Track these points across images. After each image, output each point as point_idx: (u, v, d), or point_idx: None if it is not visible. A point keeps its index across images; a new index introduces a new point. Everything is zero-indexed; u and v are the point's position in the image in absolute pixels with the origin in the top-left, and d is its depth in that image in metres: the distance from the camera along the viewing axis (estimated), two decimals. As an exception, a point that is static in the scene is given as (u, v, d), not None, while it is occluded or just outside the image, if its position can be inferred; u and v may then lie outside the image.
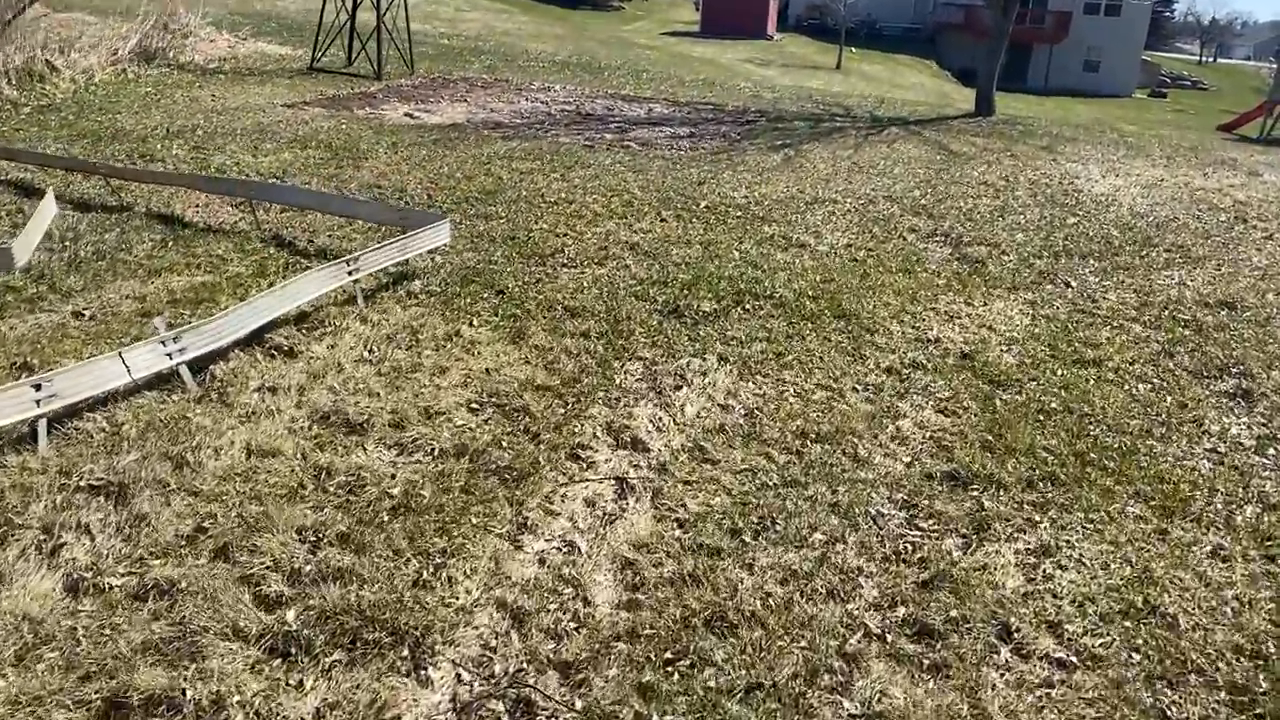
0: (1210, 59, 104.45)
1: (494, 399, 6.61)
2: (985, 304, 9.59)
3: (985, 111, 23.14)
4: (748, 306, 8.97)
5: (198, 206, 10.88)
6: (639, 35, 61.60)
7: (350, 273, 7.84)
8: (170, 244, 9.52)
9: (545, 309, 8.50)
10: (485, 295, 8.72)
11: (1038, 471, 6.26)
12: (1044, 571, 5.23)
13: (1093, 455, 6.54)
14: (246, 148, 13.75)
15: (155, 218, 10.43)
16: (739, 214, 12.26)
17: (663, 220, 11.79)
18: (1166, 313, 9.66)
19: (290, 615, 4.32)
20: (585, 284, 9.26)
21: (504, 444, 6.03)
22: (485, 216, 11.32)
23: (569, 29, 50.05)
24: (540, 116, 18.75)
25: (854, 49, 65.74)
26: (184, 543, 4.88)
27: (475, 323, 8.06)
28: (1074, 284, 10.43)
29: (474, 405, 6.53)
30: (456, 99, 19.88)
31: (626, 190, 13.02)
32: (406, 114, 17.68)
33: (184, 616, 4.28)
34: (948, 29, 68.57)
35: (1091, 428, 6.99)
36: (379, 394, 6.53)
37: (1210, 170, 17.92)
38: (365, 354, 7.11)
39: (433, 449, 5.88)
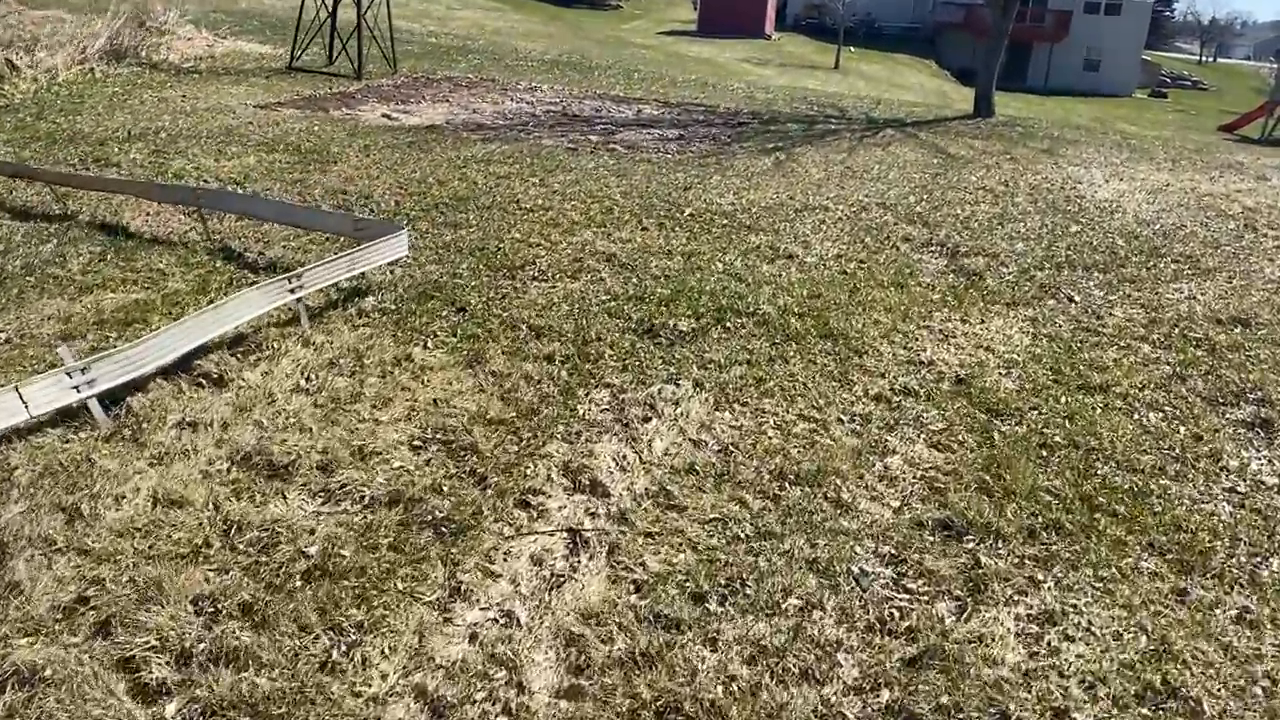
0: (1210, 59, 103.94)
1: (440, 435, 5.97)
2: (983, 321, 8.95)
3: (984, 113, 22.50)
4: (729, 325, 8.33)
5: (147, 215, 10.23)
6: (635, 34, 61.00)
7: (293, 290, 7.19)
8: (109, 257, 8.87)
9: (508, 329, 7.85)
10: (444, 313, 8.08)
11: (1040, 519, 5.62)
12: (1048, 644, 4.59)
13: (1101, 498, 5.90)
14: (210, 151, 13.10)
15: (99, 228, 9.79)
16: (725, 222, 11.62)
17: (644, 229, 11.15)
18: (1177, 331, 9.02)
19: (170, 710, 3.68)
20: (555, 300, 8.62)
21: (445, 489, 5.39)
22: (455, 225, 10.67)
23: (563, 28, 49.41)
24: (524, 118, 18.11)
25: (853, 48, 65.19)
26: (60, 616, 4.24)
27: (430, 344, 7.41)
28: (1078, 299, 9.79)
29: (416, 442, 5.89)
30: (438, 99, 19.24)
31: (607, 196, 12.37)
32: (384, 115, 17.03)
33: (42, 714, 3.63)
34: (947, 28, 67.98)
35: (1099, 465, 6.36)
36: (311, 430, 5.89)
37: (1217, 174, 17.28)
38: (302, 382, 6.47)
39: (363, 496, 5.24)
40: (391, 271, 8.92)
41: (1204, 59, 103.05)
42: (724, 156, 15.73)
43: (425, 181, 12.41)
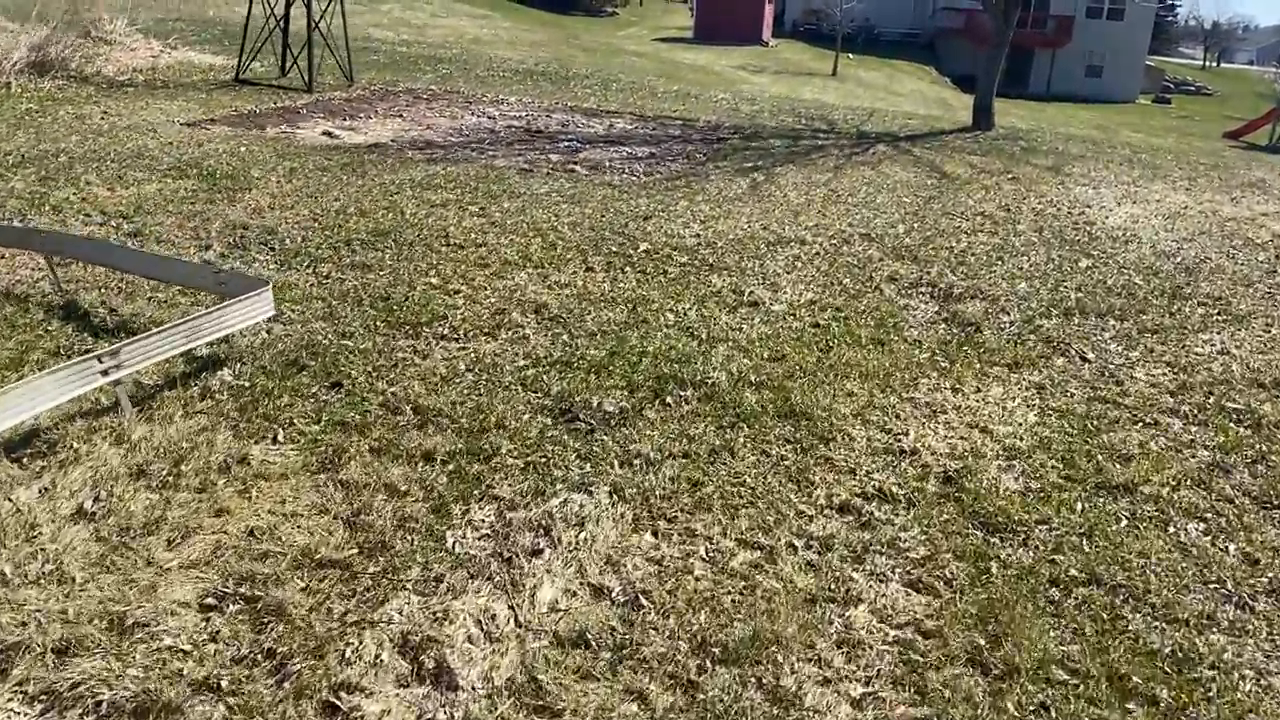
0: (1214, 64, 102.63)
1: (245, 587, 4.43)
2: (979, 389, 7.40)
3: (984, 126, 20.98)
4: (669, 400, 6.80)
5: (-1, 259, 8.72)
6: (629, 41, 59.69)
7: (105, 372, 5.65)
8: (-77, 316, 7.35)
9: (389, 413, 6.31)
10: (313, 390, 6.54)
11: (1056, 716, 4.06)
12: None
13: (1135, 675, 4.34)
14: (108, 178, 11.57)
15: (-68, 276, 8.27)
16: (684, 260, 10.08)
17: (588, 269, 9.62)
18: (1212, 400, 7.48)
19: None
20: (459, 368, 7.08)
21: (222, 685, 3.84)
22: (364, 266, 9.14)
23: (552, 35, 47.95)
24: (482, 134, 16.59)
25: (851, 55, 63.88)
26: None
27: (280, 438, 5.87)
28: (1092, 356, 8.25)
29: (209, 600, 4.35)
30: (392, 114, 17.73)
31: (554, 229, 10.85)
32: (325, 132, 15.52)
33: None
34: (947, 34, 66.62)
35: (1129, 614, 4.81)
36: (71, 581, 4.35)
37: (1239, 195, 15.74)
38: (89, 503, 4.93)
39: (97, 703, 3.69)
40: (266, 332, 7.39)
41: (1207, 64, 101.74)
42: (695, 178, 14.20)
43: (345, 212, 10.88)
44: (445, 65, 25.95)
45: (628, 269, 9.74)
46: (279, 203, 11.09)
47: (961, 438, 6.61)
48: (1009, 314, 9.23)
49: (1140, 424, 7.02)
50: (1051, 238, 12.08)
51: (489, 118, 18.30)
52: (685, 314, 8.57)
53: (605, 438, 6.20)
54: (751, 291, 9.32)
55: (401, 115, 17.76)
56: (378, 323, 7.82)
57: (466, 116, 18.24)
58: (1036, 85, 64.87)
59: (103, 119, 15.09)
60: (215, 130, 14.92)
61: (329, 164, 13.18)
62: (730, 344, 7.92)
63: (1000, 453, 6.42)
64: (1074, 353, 8.32)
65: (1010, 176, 15.94)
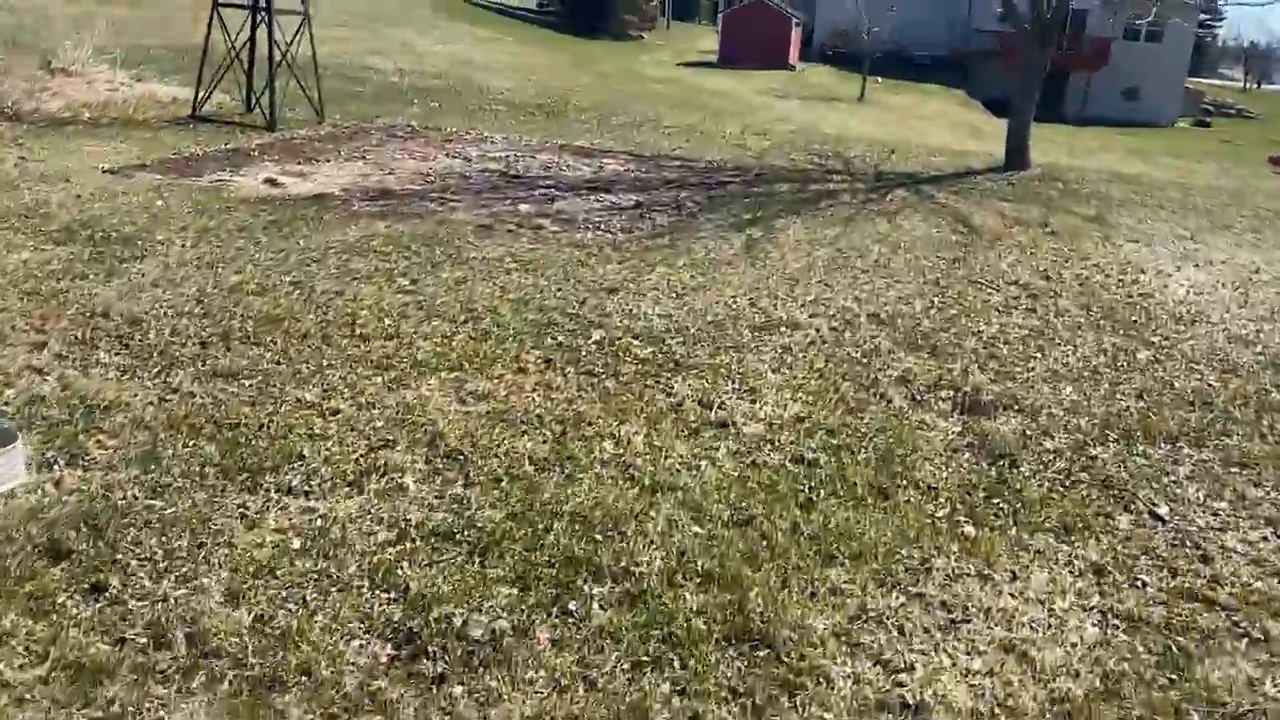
0: (1254, 85, 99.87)
1: None
2: (1015, 575, 5.34)
3: (1018, 165, 18.86)
4: (573, 607, 4.76)
5: None
6: (651, 67, 58.14)
7: None
8: None
9: (152, 644, 4.32)
10: (61, 600, 4.56)
11: None
12: None
13: None
14: (-26, 243, 9.73)
15: None
16: (646, 354, 8.08)
17: (519, 371, 7.64)
18: (1341, 590, 5.34)
19: None
20: (292, 548, 5.11)
21: None
22: (230, 373, 7.20)
23: (567, 61, 46.30)
24: (450, 180, 14.71)
25: (879, 79, 62.02)
26: None
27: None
28: (1165, 511, 6.16)
29: None
30: (355, 156, 15.89)
31: (493, 310, 8.89)
32: (269, 180, 13.67)
33: None
34: (979, 57, 64.49)
35: None
36: None
37: (1317, 253, 13.55)
38: None
39: None
40: (40, 494, 5.43)
41: (1247, 86, 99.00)
42: (682, 235, 12.20)
43: (240, 290, 8.97)
44: (436, 97, 24.18)
45: (570, 369, 7.74)
46: (166, 277, 9.20)
47: (991, 672, 4.53)
48: (1053, 436, 7.15)
49: (1245, 639, 4.90)
50: (1101, 317, 9.97)
51: (463, 160, 16.42)
52: (629, 442, 6.55)
53: (457, 690, 4.17)
54: (722, 403, 7.29)
55: (364, 157, 15.92)
56: (209, 468, 5.86)
57: (440, 158, 16.37)
58: (1071, 109, 62.58)
59: (16, 166, 13.33)
60: (140, 179, 13.11)
61: (252, 222, 11.31)
62: (679, 496, 5.88)
63: (1047, 706, 4.32)
64: (1141, 505, 6.23)
65: (1048, 230, 13.83)
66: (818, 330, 9.04)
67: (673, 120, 24.03)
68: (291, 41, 18.22)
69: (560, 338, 8.39)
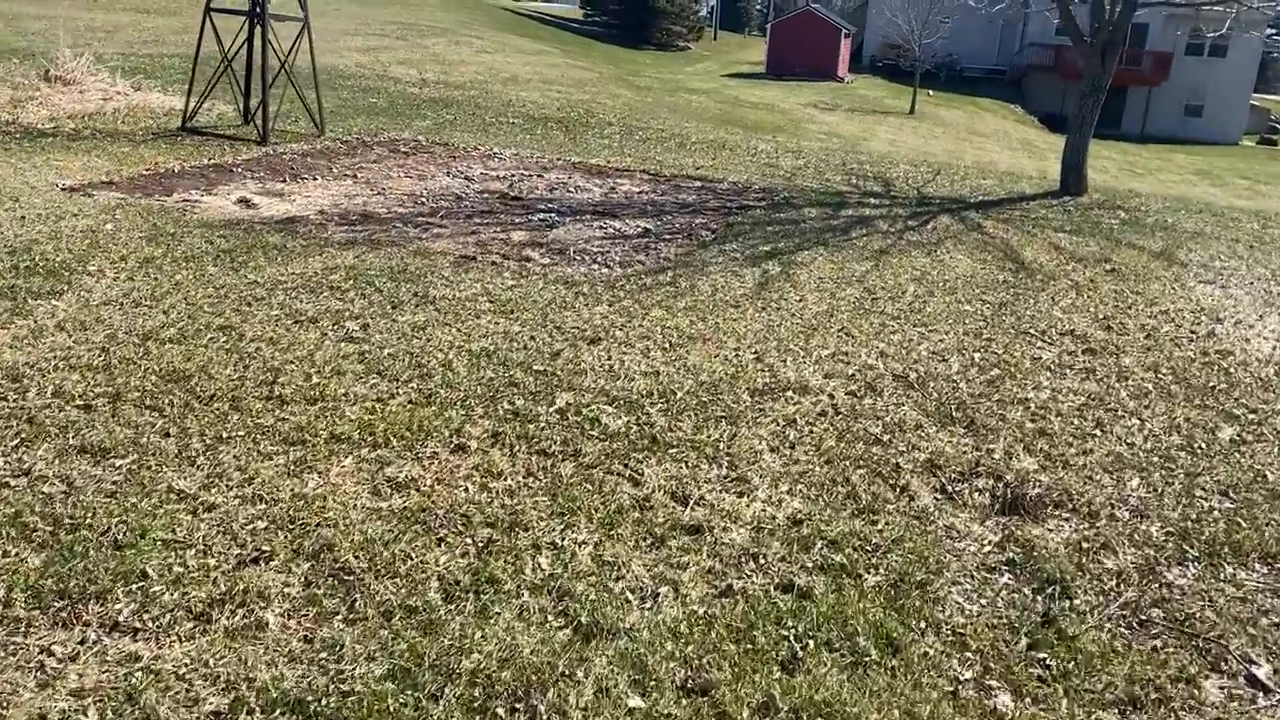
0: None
1: None
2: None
3: (1075, 189, 17.20)
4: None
5: None
6: (695, 78, 57.01)
7: None
8: None
9: None
10: None
11: None
12: None
13: None
14: (-124, 274, 8.57)
15: None
16: (617, 427, 6.68)
17: (458, 448, 6.27)
18: None
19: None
20: (81, 728, 3.74)
21: None
22: (99, 449, 5.92)
23: (605, 73, 45.16)
24: (443, 202, 13.43)
25: (931, 92, 60.39)
26: None
27: None
28: (1266, 672, 4.64)
29: None
30: (345, 174, 14.66)
31: (447, 364, 7.54)
32: (242, 199, 12.49)
33: None
34: (1035, 71, 62.49)
35: None
36: None
37: None
38: None
39: None
40: None
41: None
42: (687, 270, 10.78)
43: (157, 336, 7.71)
44: (452, 109, 22.97)
45: (521, 447, 6.35)
46: (77, 319, 7.95)
47: None
48: (1116, 552, 5.63)
49: None
50: (1173, 381, 8.39)
51: (464, 179, 15.13)
52: (573, 557, 5.14)
53: None
54: (702, 497, 5.86)
55: (357, 175, 14.68)
56: (18, 591, 4.53)
57: (439, 177, 15.09)
58: (1130, 126, 60.36)
59: (-29, 181, 12.21)
60: (99, 198, 11.95)
61: (203, 251, 10.08)
62: (620, 646, 4.45)
63: None
64: (1234, 663, 4.66)
65: (1109, 268, 12.22)
66: (831, 396, 7.56)
67: (701, 135, 22.59)
68: (291, 50, 17.06)
69: (518, 402, 7.00)
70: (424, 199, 13.55)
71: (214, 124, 17.54)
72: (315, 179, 14.23)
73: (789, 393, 7.60)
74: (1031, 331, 9.46)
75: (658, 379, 7.67)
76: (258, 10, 15.99)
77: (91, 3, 39.22)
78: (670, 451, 6.47)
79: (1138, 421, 7.51)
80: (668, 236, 12.47)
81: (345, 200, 13.09)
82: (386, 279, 9.69)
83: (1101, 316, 10.12)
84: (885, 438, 6.93)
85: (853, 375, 8.04)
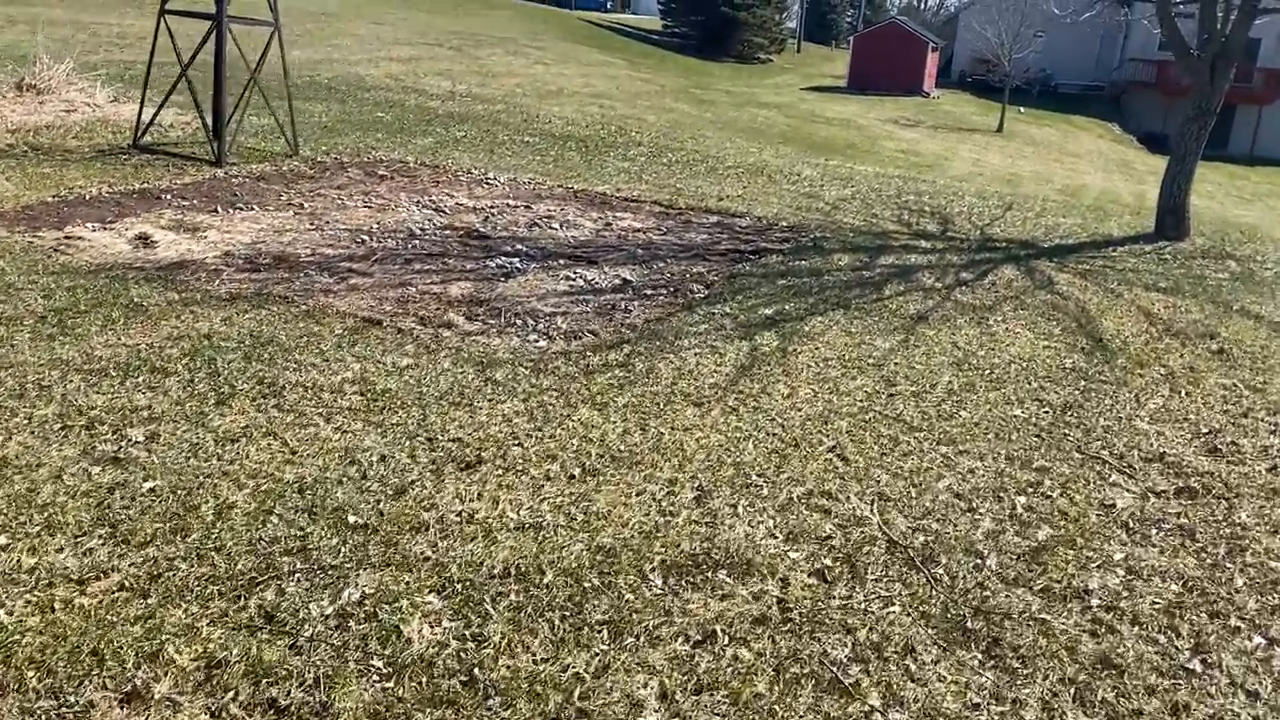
0: None
1: None
2: None
3: (1173, 233, 14.19)
4: None
5: None
6: (771, 92, 54.50)
7: None
8: None
9: None
10: None
11: None
12: None
13: None
14: None
15: None
16: (420, 649, 4.15)
17: (127, 700, 3.76)
18: None
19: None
20: None
21: None
22: None
23: (674, 86, 42.75)
24: (389, 242, 11.14)
25: (1022, 109, 56.92)
26: None
27: None
28: None
29: None
30: (291, 203, 12.45)
31: (218, 515, 5.09)
32: (140, 236, 10.38)
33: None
34: (1134, 88, 58.50)
35: None
36: None
37: None
38: None
39: None
40: None
41: None
42: (651, 345, 8.23)
43: None
44: (466, 125, 20.73)
45: (240, 692, 3.90)
46: None
47: None
48: None
49: None
50: (1318, 559, 5.53)
51: (435, 210, 12.82)
52: None
53: None
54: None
55: (303, 205, 12.46)
56: None
57: (403, 207, 12.80)
58: (1238, 147, 55.99)
59: None
60: (-35, 233, 9.84)
61: (33, 309, 7.99)
62: None
63: None
64: None
65: (1215, 347, 9.32)
66: (784, 581, 4.94)
67: (740, 158, 19.95)
68: (260, 59, 14.94)
69: (289, 590, 4.53)
70: (368, 237, 11.22)
71: (176, 140, 15.48)
72: (253, 209, 12.02)
73: (722, 573, 4.99)
74: (1102, 456, 6.68)
75: (535, 539, 5.14)
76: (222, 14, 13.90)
77: (138, 13, 38.20)
78: (488, 704, 3.91)
79: (1266, 645, 4.71)
80: (649, 291, 9.93)
81: (269, 238, 10.83)
82: (238, 356, 7.33)
83: (1205, 431, 7.28)
84: (853, 675, 4.28)
85: (828, 538, 5.40)
